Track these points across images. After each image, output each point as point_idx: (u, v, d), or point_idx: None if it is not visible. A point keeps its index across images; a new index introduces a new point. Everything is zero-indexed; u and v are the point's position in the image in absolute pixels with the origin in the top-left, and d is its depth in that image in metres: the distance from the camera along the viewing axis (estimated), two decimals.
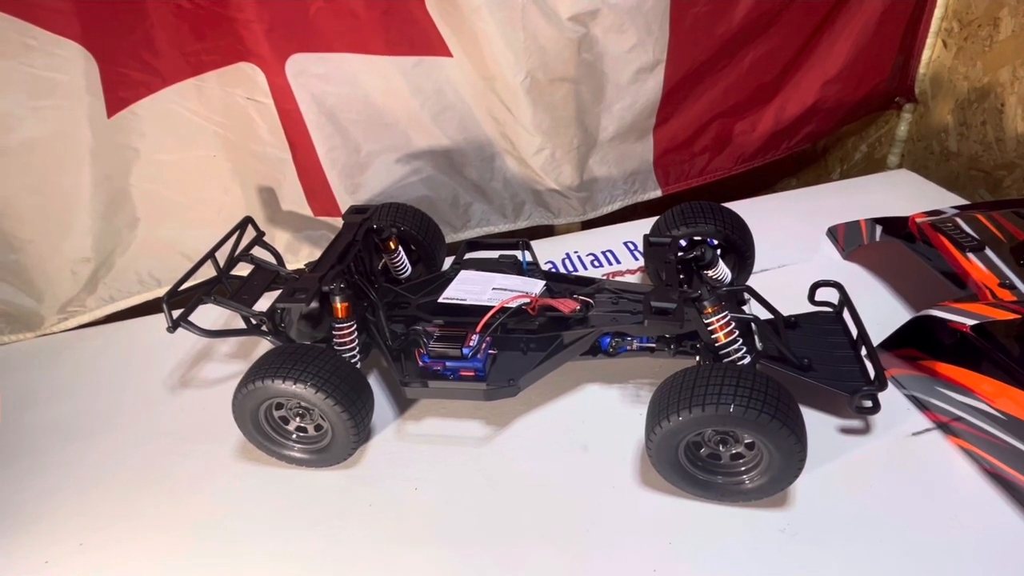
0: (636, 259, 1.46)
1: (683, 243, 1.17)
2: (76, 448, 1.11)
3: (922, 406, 1.01)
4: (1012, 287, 0.99)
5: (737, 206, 1.26)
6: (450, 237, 1.60)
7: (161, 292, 1.51)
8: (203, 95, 1.32)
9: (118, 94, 1.27)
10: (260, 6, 1.23)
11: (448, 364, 1.00)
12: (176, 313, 1.06)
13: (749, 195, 1.66)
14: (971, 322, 0.93)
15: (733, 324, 0.95)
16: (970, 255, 1.07)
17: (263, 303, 1.12)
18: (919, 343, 1.01)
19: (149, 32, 1.23)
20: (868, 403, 0.94)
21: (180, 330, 1.05)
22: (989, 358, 0.89)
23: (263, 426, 1.00)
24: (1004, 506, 0.88)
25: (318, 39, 1.29)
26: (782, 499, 0.90)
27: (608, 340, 1.04)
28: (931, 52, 1.70)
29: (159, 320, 1.07)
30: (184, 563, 0.91)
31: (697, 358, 1.02)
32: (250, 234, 1.22)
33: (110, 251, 1.44)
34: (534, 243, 1.24)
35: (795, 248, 1.42)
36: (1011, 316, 0.92)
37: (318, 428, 1.00)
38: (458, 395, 1.02)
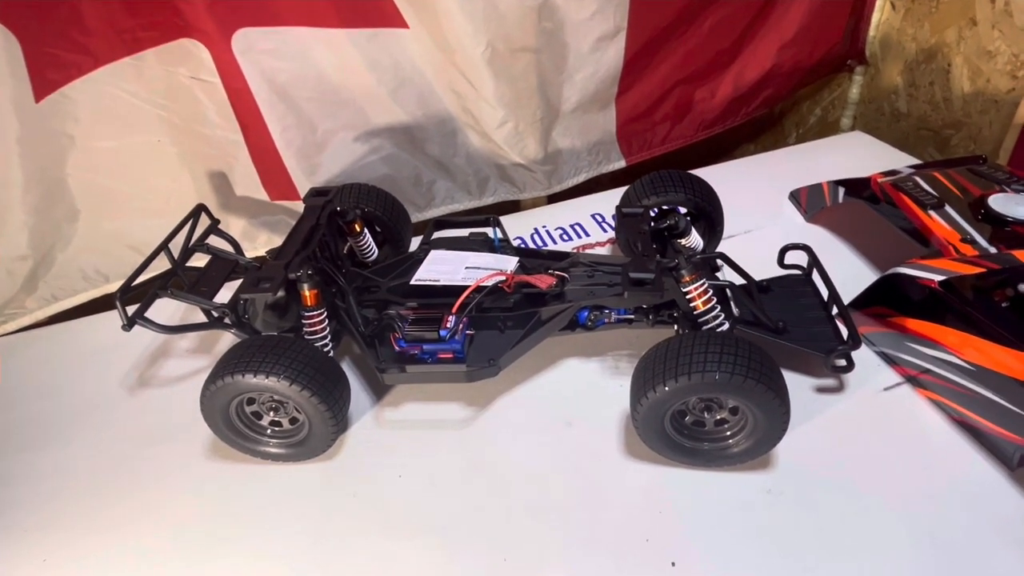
0: (605, 231, 1.45)
1: (654, 212, 1.16)
2: (30, 459, 1.04)
3: (891, 361, 1.04)
4: (973, 242, 1.02)
5: (698, 174, 1.26)
6: (415, 216, 1.56)
7: (109, 288, 1.43)
8: (142, 75, 1.24)
9: (46, 76, 1.18)
10: None
11: (425, 347, 0.97)
12: (131, 310, 1.00)
13: (710, 163, 1.67)
14: (939, 278, 0.95)
15: (711, 292, 0.95)
16: (931, 212, 1.10)
17: (223, 295, 1.06)
18: (888, 300, 1.04)
19: (76, 8, 1.14)
20: (843, 362, 0.97)
21: (133, 328, 0.99)
22: (957, 311, 0.91)
23: (235, 423, 0.95)
24: (972, 452, 0.91)
25: (266, 12, 1.22)
26: (765, 461, 0.92)
27: (586, 314, 1.03)
28: (880, 14, 1.73)
29: (109, 318, 1.01)
30: (158, 574, 0.86)
31: (675, 327, 1.02)
32: (204, 223, 1.15)
33: (49, 247, 1.35)
34: (501, 219, 1.21)
35: (758, 213, 1.43)
36: (975, 270, 0.95)
37: (294, 421, 0.96)
38: (438, 378, 1.00)
